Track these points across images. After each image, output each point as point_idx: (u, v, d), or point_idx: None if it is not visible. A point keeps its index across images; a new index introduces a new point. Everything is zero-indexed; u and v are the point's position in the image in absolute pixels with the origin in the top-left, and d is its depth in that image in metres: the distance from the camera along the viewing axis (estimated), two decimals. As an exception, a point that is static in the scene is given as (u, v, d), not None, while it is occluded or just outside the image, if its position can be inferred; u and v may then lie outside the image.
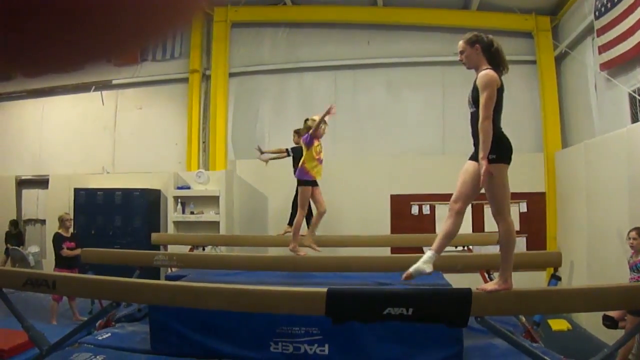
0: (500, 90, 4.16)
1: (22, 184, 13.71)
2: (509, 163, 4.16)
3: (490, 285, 3.76)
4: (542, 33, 10.90)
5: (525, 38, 11.12)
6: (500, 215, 4.12)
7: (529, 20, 10.93)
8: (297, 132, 8.80)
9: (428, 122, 11.32)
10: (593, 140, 8.83)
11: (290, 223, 8.55)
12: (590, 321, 8.13)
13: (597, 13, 8.73)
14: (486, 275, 6.63)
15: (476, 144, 4.28)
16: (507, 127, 10.63)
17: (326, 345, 5.01)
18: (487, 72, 4.07)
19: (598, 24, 8.70)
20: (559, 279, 6.12)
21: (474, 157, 4.27)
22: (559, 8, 10.71)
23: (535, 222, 10.45)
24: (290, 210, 8.71)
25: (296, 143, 8.76)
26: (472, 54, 4.24)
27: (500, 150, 4.10)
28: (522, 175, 10.36)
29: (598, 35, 8.73)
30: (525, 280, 8.74)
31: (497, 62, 4.22)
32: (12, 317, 4.94)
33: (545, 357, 3.77)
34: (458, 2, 11.40)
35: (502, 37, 10.83)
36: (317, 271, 6.10)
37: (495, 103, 4.14)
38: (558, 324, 8.38)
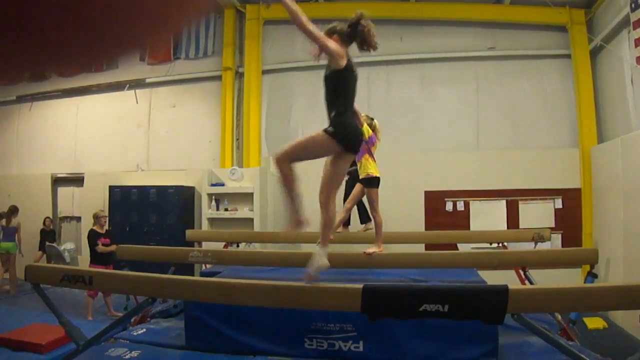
0: (349, 73, 4.14)
1: (58, 181, 13.95)
2: (340, 146, 4.18)
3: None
4: (576, 26, 10.74)
5: (559, 32, 10.97)
6: (279, 157, 4.22)
7: (563, 13, 10.77)
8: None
9: (462, 117, 11.23)
10: (630, 135, 8.68)
11: (362, 221, 8.57)
12: (627, 319, 8.01)
13: (632, 5, 8.58)
14: (521, 273, 6.57)
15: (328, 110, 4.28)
16: (542, 122, 10.68)
17: (361, 342, 5.01)
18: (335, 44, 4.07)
19: (634, 17, 8.55)
20: (596, 276, 6.03)
21: None
22: (594, 1, 10.54)
23: (571, 219, 10.32)
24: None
25: None
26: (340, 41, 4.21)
27: (340, 131, 4.15)
28: (557, 171, 10.28)
29: (634, 28, 8.58)
30: (561, 278, 8.68)
31: (364, 41, 4.25)
32: (48, 312, 5.02)
33: (582, 356, 3.71)
34: (491, -3, 11.30)
35: (536, 32, 10.92)
36: (351, 267, 6.08)
37: (344, 85, 4.18)
38: (594, 322, 8.27)
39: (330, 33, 4.25)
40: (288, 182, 4.19)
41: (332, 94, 4.26)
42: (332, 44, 4.00)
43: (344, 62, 4.08)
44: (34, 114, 14.42)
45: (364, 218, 8.53)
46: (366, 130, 6.15)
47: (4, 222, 11.76)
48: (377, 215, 6.26)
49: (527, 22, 11.08)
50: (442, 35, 11.49)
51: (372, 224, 8.40)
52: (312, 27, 3.91)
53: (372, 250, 5.88)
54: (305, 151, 4.35)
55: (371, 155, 6.30)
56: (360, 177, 6.43)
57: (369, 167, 6.24)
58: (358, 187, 6.45)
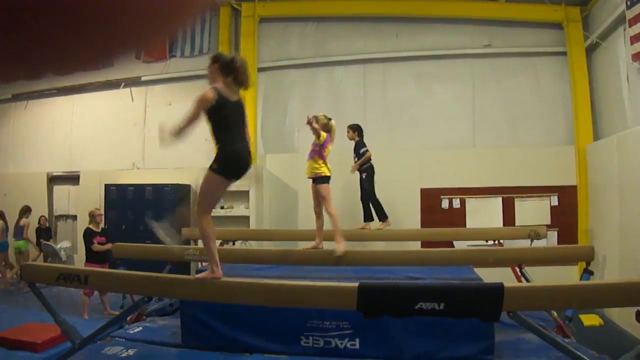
0: (224, 105, 4.39)
1: (54, 180, 13.92)
2: (228, 178, 4.48)
3: (202, 275, 4.29)
4: (572, 24, 10.74)
5: (555, 29, 10.97)
6: (198, 213, 4.41)
7: (559, 11, 10.77)
8: (352, 128, 8.84)
9: (458, 115, 11.23)
10: (625, 133, 8.69)
11: (365, 219, 8.62)
12: (623, 316, 8.02)
13: (628, 2, 8.57)
14: (517, 270, 6.57)
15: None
16: (538, 119, 10.69)
17: (357, 340, 5.01)
18: (205, 90, 4.35)
19: (630, 14, 8.55)
20: (592, 273, 6.03)
21: None
22: (590, -2, 10.56)
23: (567, 216, 10.32)
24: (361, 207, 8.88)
25: (351, 139, 8.81)
26: (211, 71, 4.55)
27: (223, 165, 4.43)
28: (553, 168, 10.29)
29: (630, 26, 8.58)
30: (557, 275, 8.69)
31: (236, 79, 4.47)
32: (44, 311, 5.02)
33: (578, 353, 3.72)
34: (487, -6, 11.30)
35: (532, 29, 10.94)
36: (347, 265, 6.09)
37: (222, 119, 4.43)
38: (590, 319, 8.28)
39: (214, 60, 4.58)
40: (207, 238, 4.41)
41: (214, 129, 4.53)
42: (193, 107, 4.31)
43: (213, 99, 4.32)
44: (29, 112, 14.38)
45: (381, 216, 8.57)
46: (322, 134, 6.24)
47: (15, 220, 12.04)
48: (331, 210, 6.34)
49: (523, 19, 11.08)
50: (438, 33, 11.48)
51: (389, 222, 8.46)
52: (185, 118, 4.29)
53: (341, 249, 6.00)
54: (209, 196, 4.56)
55: (322, 156, 6.32)
56: (308, 176, 6.47)
57: (317, 167, 6.30)
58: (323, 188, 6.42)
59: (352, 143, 8.95)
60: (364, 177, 8.72)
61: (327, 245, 6.50)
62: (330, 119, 6.57)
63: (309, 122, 6.18)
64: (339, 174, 8.89)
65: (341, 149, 11.10)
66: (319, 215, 6.49)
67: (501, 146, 10.88)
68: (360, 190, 8.81)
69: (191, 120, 4.25)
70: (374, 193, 8.67)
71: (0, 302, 10.27)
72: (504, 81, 11.14)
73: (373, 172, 8.71)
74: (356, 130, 8.88)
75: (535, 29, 11.11)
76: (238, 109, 4.56)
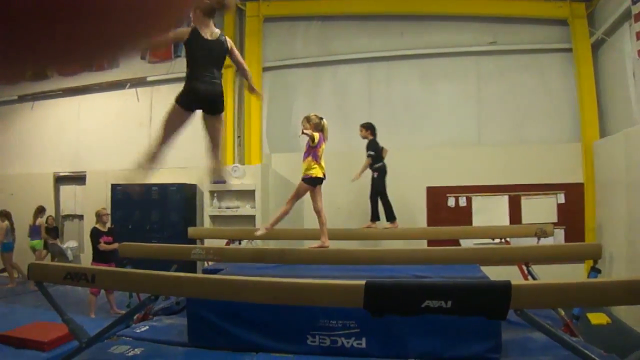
0: (191, 43, 4.82)
1: (60, 180, 14.00)
2: (183, 108, 4.89)
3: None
4: (577, 20, 10.72)
5: (560, 26, 10.95)
6: (157, 140, 4.93)
7: (564, 7, 10.76)
8: (364, 126, 8.85)
9: (463, 112, 11.22)
10: (633, 129, 8.65)
11: (372, 218, 8.61)
12: (631, 315, 8.00)
13: (634, -2, 8.57)
14: (524, 268, 6.55)
15: None
16: (544, 116, 10.67)
17: (363, 339, 5.00)
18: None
19: (635, 9, 8.54)
20: (599, 271, 6.00)
21: None
22: (595, -6, 10.53)
23: (574, 214, 10.30)
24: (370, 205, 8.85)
25: (364, 137, 8.78)
26: (193, 15, 4.97)
27: (180, 95, 4.87)
28: (559, 165, 10.26)
29: (636, 21, 8.57)
30: (564, 273, 8.66)
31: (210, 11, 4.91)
32: (51, 310, 5.03)
33: (585, 351, 3.70)
34: (492, -9, 11.27)
35: (537, 26, 10.93)
36: (353, 264, 6.08)
37: (188, 55, 4.86)
38: (597, 318, 8.25)
39: (194, 8, 4.81)
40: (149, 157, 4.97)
41: (187, 64, 4.90)
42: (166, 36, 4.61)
43: (185, 36, 4.76)
44: (35, 113, 14.44)
45: (390, 217, 8.54)
46: (315, 136, 6.22)
47: (31, 221, 12.33)
48: (286, 206, 6.34)
49: (528, 16, 11.06)
50: (442, 31, 11.47)
51: (397, 224, 8.46)
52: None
53: (259, 232, 6.37)
54: (166, 123, 4.95)
55: (315, 157, 6.30)
56: (302, 176, 6.41)
57: (309, 168, 6.29)
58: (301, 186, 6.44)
59: (363, 142, 8.94)
60: (375, 176, 8.70)
61: (333, 245, 6.50)
62: (322, 119, 6.51)
63: (304, 133, 6.20)
64: (351, 173, 8.92)
65: (353, 147, 11.16)
66: (319, 214, 6.48)
67: (507, 144, 10.86)
68: (370, 188, 8.78)
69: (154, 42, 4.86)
70: (385, 192, 8.64)
71: (8, 301, 10.32)
72: (509, 78, 11.12)
73: (385, 172, 8.68)
74: (369, 129, 8.84)
75: (540, 26, 11.09)
76: (213, 47, 4.91)
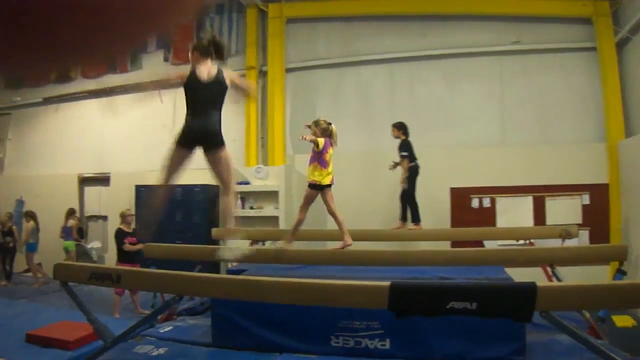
0: (188, 87, 5.05)
1: (85, 181, 14.15)
2: (179, 145, 5.19)
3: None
4: (601, 18, 10.61)
5: (584, 24, 10.84)
6: (160, 179, 5.25)
7: (588, 5, 10.64)
8: (396, 126, 8.87)
9: (487, 113, 11.14)
10: (659, 129, 8.56)
11: (402, 218, 8.60)
12: (657, 316, 7.90)
13: (660, -4, 8.47)
14: (549, 270, 6.50)
15: None
16: (568, 116, 10.56)
17: (387, 340, 5.00)
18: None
19: (662, 8, 8.44)
20: (625, 273, 5.93)
21: None
22: (620, -9, 10.42)
23: (599, 215, 10.18)
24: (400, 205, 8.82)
25: (396, 137, 8.77)
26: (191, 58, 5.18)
27: (178, 134, 5.14)
28: (583, 166, 10.15)
29: (662, 20, 8.47)
30: (589, 275, 8.57)
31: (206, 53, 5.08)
32: (76, 309, 5.08)
33: (611, 354, 3.66)
34: (514, -10, 11.20)
35: (560, 24, 10.82)
36: (377, 265, 6.08)
37: (185, 96, 5.08)
38: (623, 320, 8.14)
39: (192, 49, 5.20)
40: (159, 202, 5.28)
41: (185, 104, 5.14)
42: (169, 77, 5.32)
43: (184, 79, 5.04)
44: (60, 115, 14.61)
45: (415, 218, 8.52)
46: (320, 141, 6.32)
47: (62, 222, 12.51)
48: (300, 214, 6.60)
49: (552, 15, 10.97)
50: (465, 31, 11.41)
51: (421, 226, 8.43)
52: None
53: (280, 247, 6.50)
54: (167, 161, 5.24)
55: (322, 163, 6.39)
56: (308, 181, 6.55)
57: (313, 174, 6.44)
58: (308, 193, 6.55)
59: (396, 142, 8.91)
60: (406, 175, 8.67)
61: (356, 246, 6.51)
62: (330, 124, 6.62)
63: (303, 139, 6.33)
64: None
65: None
66: (334, 216, 6.57)
67: (531, 144, 10.77)
68: (401, 190, 8.74)
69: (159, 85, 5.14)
70: (414, 194, 8.60)
71: (32, 301, 10.44)
72: (533, 78, 11.03)
73: (416, 173, 8.64)
74: (400, 128, 8.81)
75: (564, 25, 10.99)
76: (209, 88, 5.04)
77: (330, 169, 6.45)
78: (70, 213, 12.71)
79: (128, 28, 0.77)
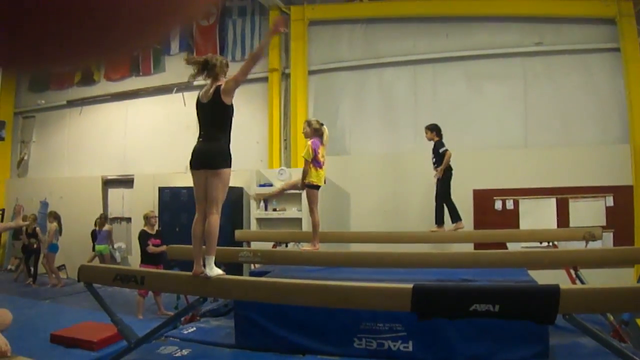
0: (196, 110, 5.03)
1: (108, 183, 14.27)
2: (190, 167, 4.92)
3: None
4: (625, 18, 10.48)
5: (607, 25, 10.72)
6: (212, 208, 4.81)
7: (611, 5, 10.53)
8: (429, 128, 8.85)
9: (510, 114, 11.05)
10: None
11: (437, 222, 8.59)
12: (683, 319, 7.81)
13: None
14: (572, 272, 6.47)
15: None
16: (592, 117, 10.46)
17: (410, 342, 5.01)
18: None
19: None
20: (650, 275, 5.90)
21: None
22: (643, -9, 10.31)
23: (623, 217, 10.06)
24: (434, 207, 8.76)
25: (430, 139, 8.77)
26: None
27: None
28: (607, 168, 10.04)
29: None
30: (613, 277, 8.50)
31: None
32: (100, 311, 5.15)
33: (635, 358, 3.64)
34: (537, -9, 11.13)
35: (583, 25, 10.73)
36: (400, 267, 6.09)
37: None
38: (647, 323, 8.08)
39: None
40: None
41: None
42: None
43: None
44: (84, 117, 14.78)
45: (454, 217, 8.50)
46: (310, 152, 6.63)
47: (97, 227, 12.65)
48: (314, 217, 6.85)
49: (574, 15, 10.88)
50: (488, 32, 11.34)
51: (462, 224, 8.42)
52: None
53: (306, 249, 6.51)
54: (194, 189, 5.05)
55: (316, 164, 6.69)
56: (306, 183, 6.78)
57: (310, 175, 6.70)
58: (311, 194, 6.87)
59: (430, 144, 8.88)
60: (440, 177, 8.64)
61: (378, 247, 6.53)
62: (322, 125, 6.89)
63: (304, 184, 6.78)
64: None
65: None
66: (313, 216, 6.95)
67: (554, 146, 10.68)
68: (436, 190, 8.69)
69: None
70: (449, 194, 8.57)
71: (56, 302, 10.58)
72: (556, 79, 10.94)
73: (450, 174, 8.61)
74: (434, 130, 8.78)
75: (587, 25, 10.89)
76: (205, 109, 4.92)
77: (324, 168, 6.82)
78: (105, 218, 12.93)
79: (145, 22, 0.78)
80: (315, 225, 6.87)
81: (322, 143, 6.75)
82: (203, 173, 4.73)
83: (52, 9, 0.68)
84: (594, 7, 10.65)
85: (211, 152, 4.71)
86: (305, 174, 6.64)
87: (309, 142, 6.66)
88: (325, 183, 6.97)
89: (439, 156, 8.57)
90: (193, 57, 5.07)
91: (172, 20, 0.83)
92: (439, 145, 8.67)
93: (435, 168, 8.61)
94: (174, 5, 0.79)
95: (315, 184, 6.73)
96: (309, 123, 6.88)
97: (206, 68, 4.84)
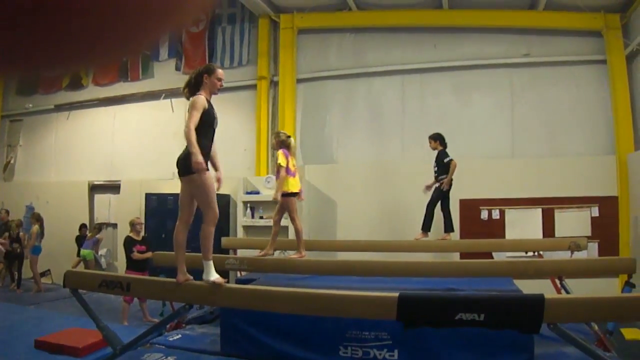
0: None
1: (95, 188, 14.20)
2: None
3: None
4: (611, 31, 10.59)
5: (594, 37, 10.82)
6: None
7: (598, 18, 10.63)
8: (433, 138, 8.86)
9: (497, 125, 11.12)
10: (668, 142, 8.54)
11: (423, 228, 8.57)
12: (666, 330, 7.86)
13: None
14: (557, 282, 6.50)
15: None
16: (578, 128, 10.53)
17: (395, 351, 5.01)
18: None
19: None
20: (633, 286, 5.92)
21: None
22: (629, 5, 10.39)
23: (608, 227, 10.13)
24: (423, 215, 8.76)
25: (434, 148, 8.77)
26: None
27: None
28: (593, 178, 10.13)
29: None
30: (598, 287, 8.54)
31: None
32: (85, 317, 5.12)
33: (620, 366, 3.67)
34: (524, 3, 11.20)
35: (570, 37, 10.82)
36: (386, 276, 6.09)
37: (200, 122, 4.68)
38: (631, 333, 8.12)
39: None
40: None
41: None
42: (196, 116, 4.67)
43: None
44: (71, 122, 14.72)
45: (448, 227, 8.52)
46: (281, 160, 6.83)
47: (89, 234, 12.68)
48: (296, 224, 6.94)
49: (562, 27, 10.98)
50: (476, 42, 11.42)
51: (450, 236, 8.43)
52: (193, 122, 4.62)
53: (293, 257, 6.52)
54: None
55: (288, 172, 6.87)
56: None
57: (285, 184, 6.82)
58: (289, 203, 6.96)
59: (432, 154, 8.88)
60: (438, 185, 8.63)
61: (365, 256, 6.53)
62: (289, 137, 7.06)
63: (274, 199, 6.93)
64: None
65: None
66: (276, 224, 7.04)
67: (541, 156, 10.75)
68: (435, 199, 8.69)
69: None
70: (448, 203, 8.59)
71: (41, 307, 10.49)
72: (543, 90, 11.02)
73: (451, 184, 8.60)
74: (437, 139, 8.78)
75: (574, 37, 10.99)
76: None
77: (297, 176, 7.01)
78: (99, 228, 12.92)
79: (140, 25, 0.77)
80: (298, 232, 6.93)
81: (290, 154, 6.89)
82: (182, 180, 4.81)
83: (42, 11, 0.68)
84: (581, 19, 10.74)
85: (179, 159, 4.76)
86: (282, 181, 6.67)
87: (280, 151, 6.77)
88: (301, 190, 7.10)
89: (443, 166, 8.57)
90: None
91: (164, 26, 0.83)
92: (443, 155, 8.67)
93: (436, 177, 8.62)
94: (166, 11, 0.79)
95: (291, 191, 6.86)
96: (277, 135, 7.09)
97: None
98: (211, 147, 4.87)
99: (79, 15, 0.70)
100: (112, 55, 0.87)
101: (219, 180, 5.16)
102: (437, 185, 8.63)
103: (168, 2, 0.78)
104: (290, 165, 6.88)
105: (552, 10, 10.89)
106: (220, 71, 4.88)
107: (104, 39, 0.76)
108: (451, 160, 8.55)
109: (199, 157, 4.39)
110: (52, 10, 0.68)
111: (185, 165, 4.61)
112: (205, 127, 4.70)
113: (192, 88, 4.86)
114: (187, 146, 4.59)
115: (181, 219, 4.83)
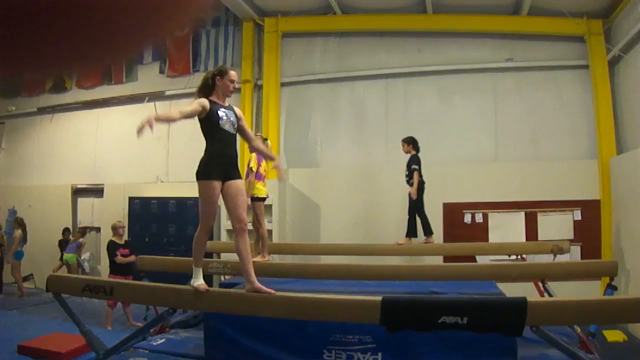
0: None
1: (78, 192, 14.12)
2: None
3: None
4: (594, 37, 10.69)
5: (577, 42, 10.92)
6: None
7: (581, 24, 10.73)
8: (406, 141, 8.81)
9: (480, 129, 11.18)
10: (649, 146, 8.62)
11: (408, 234, 8.53)
12: (648, 332, 7.94)
13: (651, 16, 8.56)
14: (540, 285, 6.54)
15: None
16: (561, 133, 10.61)
17: (379, 354, 5.01)
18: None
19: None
20: (615, 288, 5.97)
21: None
22: (612, 11, 10.49)
23: (590, 231, 10.21)
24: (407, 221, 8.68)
25: (407, 152, 8.72)
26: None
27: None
28: (576, 182, 10.20)
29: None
30: (581, 290, 8.60)
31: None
32: (68, 321, 5.09)
33: (602, 369, 3.70)
34: (508, 8, 11.27)
35: (553, 42, 10.91)
36: (370, 279, 6.10)
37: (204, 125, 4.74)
38: (614, 335, 8.19)
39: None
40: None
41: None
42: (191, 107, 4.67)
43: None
44: (54, 125, 14.63)
45: (427, 231, 8.49)
46: (253, 162, 6.88)
47: (72, 238, 12.61)
48: (262, 229, 6.97)
49: (545, 33, 11.06)
50: (459, 47, 11.48)
51: (432, 239, 8.42)
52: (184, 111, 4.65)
53: (257, 260, 6.38)
54: None
55: (257, 176, 6.92)
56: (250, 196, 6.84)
57: (254, 188, 6.88)
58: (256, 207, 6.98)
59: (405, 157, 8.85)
60: (415, 189, 8.60)
61: (350, 260, 6.53)
62: (266, 139, 7.23)
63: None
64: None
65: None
66: (259, 229, 7.04)
67: (524, 160, 10.81)
68: (413, 205, 8.56)
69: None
70: (423, 207, 8.56)
71: (24, 312, 10.40)
72: (526, 95, 11.09)
73: (423, 187, 8.56)
74: (410, 143, 8.69)
75: (557, 43, 11.08)
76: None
77: (265, 182, 7.02)
78: (84, 232, 12.78)
79: (140, 25, 0.78)
80: (263, 237, 6.98)
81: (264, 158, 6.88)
82: None
83: (31, 13, 0.68)
84: (564, 25, 10.83)
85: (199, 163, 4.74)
86: (250, 184, 6.69)
87: (254, 154, 6.77)
88: (267, 196, 7.20)
89: (411, 172, 8.54)
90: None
91: (164, 26, 0.82)
92: (413, 160, 8.58)
93: (408, 182, 8.58)
94: (166, 11, 0.79)
95: (259, 196, 6.91)
96: None
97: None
98: (229, 151, 4.83)
99: (79, 15, 0.70)
100: (113, 55, 0.87)
101: (277, 167, 5.33)
102: (414, 197, 8.55)
103: (168, 2, 0.78)
104: (262, 169, 6.92)
105: (535, 16, 10.97)
106: (232, 72, 4.81)
107: (104, 39, 0.76)
108: (415, 170, 8.46)
109: (152, 117, 4.33)
110: (50, 11, 0.68)
111: (196, 170, 4.72)
112: (211, 130, 4.71)
113: (204, 91, 4.82)
114: (205, 153, 4.74)
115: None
